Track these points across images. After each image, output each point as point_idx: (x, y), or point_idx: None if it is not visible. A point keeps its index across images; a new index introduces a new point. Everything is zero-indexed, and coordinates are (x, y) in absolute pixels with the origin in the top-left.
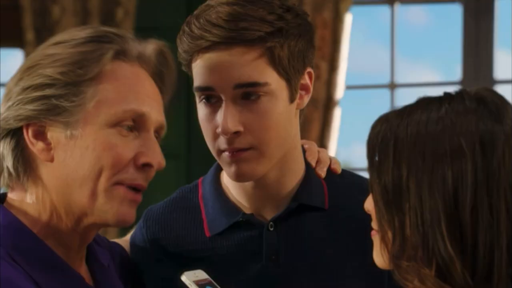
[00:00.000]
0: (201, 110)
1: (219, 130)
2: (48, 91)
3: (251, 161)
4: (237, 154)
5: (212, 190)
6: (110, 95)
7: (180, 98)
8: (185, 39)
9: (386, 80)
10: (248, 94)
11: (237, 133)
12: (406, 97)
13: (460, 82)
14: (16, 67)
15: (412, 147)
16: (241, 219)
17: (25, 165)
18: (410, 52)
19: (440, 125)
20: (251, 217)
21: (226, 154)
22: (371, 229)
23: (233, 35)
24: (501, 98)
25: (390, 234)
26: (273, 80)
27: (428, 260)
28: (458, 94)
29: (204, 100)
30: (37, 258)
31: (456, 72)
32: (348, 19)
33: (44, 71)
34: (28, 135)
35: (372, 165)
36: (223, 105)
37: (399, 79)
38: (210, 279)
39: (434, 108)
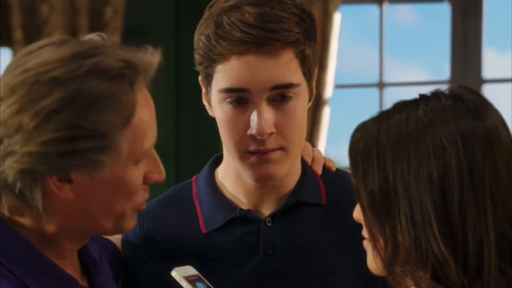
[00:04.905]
0: (225, 111)
1: (253, 131)
2: (84, 144)
3: (277, 162)
4: (266, 154)
5: (207, 187)
6: (137, 139)
7: (169, 97)
8: (216, 40)
9: (374, 79)
10: (281, 95)
11: (270, 134)
12: (394, 96)
13: (449, 81)
14: (4, 65)
15: (395, 151)
16: (238, 214)
17: (44, 200)
18: (399, 51)
19: (420, 125)
20: (248, 213)
21: (254, 155)
22: (362, 238)
23: (275, 37)
24: (477, 94)
25: (381, 241)
26: (301, 81)
27: (422, 262)
28: (434, 94)
29: (230, 101)
30: (29, 265)
31: (444, 71)
32: (337, 18)
33: (75, 121)
34: (54, 181)
35: (357, 174)
36: (258, 106)
37: (387, 78)
38: (200, 275)
39: (412, 110)
